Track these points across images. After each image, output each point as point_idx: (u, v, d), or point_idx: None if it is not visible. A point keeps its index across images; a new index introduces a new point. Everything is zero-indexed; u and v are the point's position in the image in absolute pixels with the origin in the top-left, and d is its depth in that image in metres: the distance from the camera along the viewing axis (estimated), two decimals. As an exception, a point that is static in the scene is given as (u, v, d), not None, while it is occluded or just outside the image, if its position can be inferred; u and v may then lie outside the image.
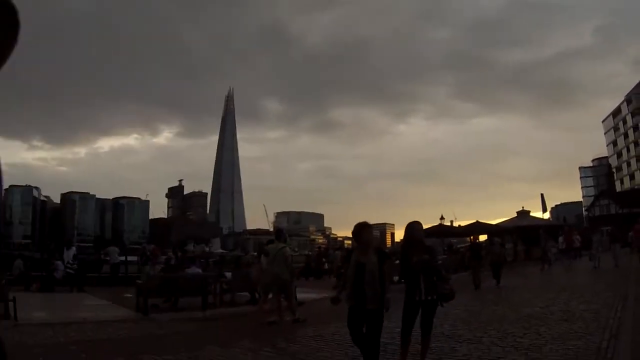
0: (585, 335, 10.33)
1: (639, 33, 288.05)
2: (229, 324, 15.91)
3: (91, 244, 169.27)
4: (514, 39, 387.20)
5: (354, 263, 8.34)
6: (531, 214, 55.29)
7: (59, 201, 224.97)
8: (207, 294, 17.97)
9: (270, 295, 15.92)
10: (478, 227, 45.50)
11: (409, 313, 8.40)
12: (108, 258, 31.35)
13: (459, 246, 45.42)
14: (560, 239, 37.42)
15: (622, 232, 37.22)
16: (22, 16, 1.74)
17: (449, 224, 51.11)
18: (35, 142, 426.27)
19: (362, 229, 8.58)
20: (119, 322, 15.40)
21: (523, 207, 55.34)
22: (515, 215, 54.72)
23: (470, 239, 38.13)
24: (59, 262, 25.66)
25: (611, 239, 31.62)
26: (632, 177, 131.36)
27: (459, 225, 49.57)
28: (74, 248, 29.90)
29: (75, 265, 26.05)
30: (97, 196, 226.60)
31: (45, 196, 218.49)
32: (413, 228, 8.88)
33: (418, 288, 8.31)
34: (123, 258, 33.02)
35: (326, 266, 39.71)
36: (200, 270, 20.83)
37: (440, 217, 48.91)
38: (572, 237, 34.23)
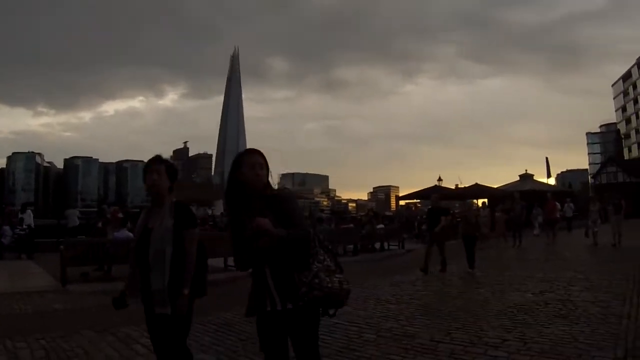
0: (588, 350, 7.19)
1: None
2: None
3: (95, 209, 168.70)
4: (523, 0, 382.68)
5: (138, 229, 5.16)
6: (535, 178, 52.94)
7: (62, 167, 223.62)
8: None
9: None
10: (477, 190, 43.02)
11: (264, 339, 4.23)
12: (65, 222, 29.59)
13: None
14: (537, 210, 32.82)
15: (628, 202, 31.83)
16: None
17: (450, 186, 48.29)
18: (40, 109, 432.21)
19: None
20: (31, 294, 13.89)
21: (526, 170, 53.00)
22: (518, 178, 52.36)
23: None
24: (7, 228, 23.97)
25: (614, 208, 25.20)
26: None
27: (457, 187, 46.58)
28: (29, 211, 28.07)
29: (25, 231, 24.35)
30: (100, 160, 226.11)
31: (49, 162, 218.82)
32: (243, 163, 4.30)
33: (265, 287, 4.13)
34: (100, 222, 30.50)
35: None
36: (130, 235, 18.06)
37: (437, 178, 46.15)
38: (553, 206, 28.13)
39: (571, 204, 36.83)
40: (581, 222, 31.29)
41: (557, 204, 30.11)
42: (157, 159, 5.27)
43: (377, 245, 27.13)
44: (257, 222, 3.89)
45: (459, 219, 21.03)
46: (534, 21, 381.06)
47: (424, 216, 27.42)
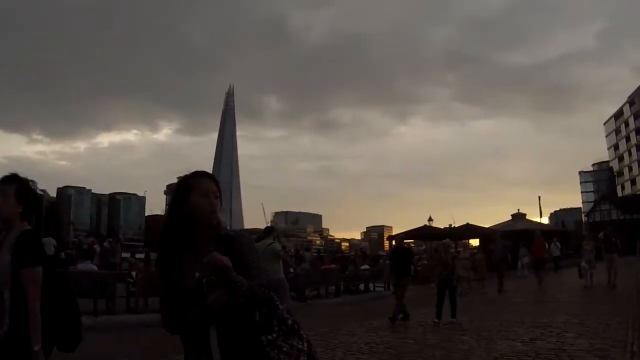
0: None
1: None
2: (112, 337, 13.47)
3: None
4: (515, 41, 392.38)
5: None
6: (528, 217, 52.06)
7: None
8: (107, 296, 16.26)
9: None
10: (468, 230, 41.94)
11: None
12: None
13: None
14: (523, 250, 30.90)
15: (622, 239, 27.91)
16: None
17: (441, 226, 47.14)
18: (35, 136, 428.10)
19: None
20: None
21: (518, 210, 51.93)
22: (510, 218, 51.15)
23: (393, 242, 29.40)
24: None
25: (606, 247, 22.70)
26: (633, 182, 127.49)
27: (450, 227, 45.35)
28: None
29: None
30: (93, 191, 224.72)
31: (42, 190, 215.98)
32: (192, 189, 3.16)
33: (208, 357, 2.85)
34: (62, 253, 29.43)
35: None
36: (95, 267, 18.33)
37: (428, 218, 45.02)
38: (540, 245, 25.20)
39: (558, 243, 34.96)
40: (570, 261, 30.40)
41: (545, 242, 28.47)
42: (6, 177, 4.06)
43: (362, 286, 26.05)
44: (214, 258, 2.74)
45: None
46: (525, 62, 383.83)
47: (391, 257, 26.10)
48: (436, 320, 14.19)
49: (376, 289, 26.21)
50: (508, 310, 17.03)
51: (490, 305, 19.20)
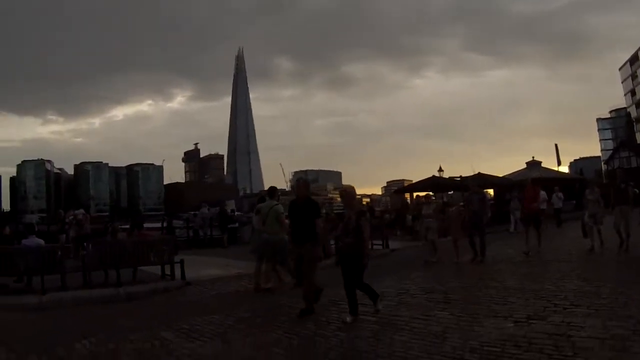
0: None
1: None
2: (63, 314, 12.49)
3: (107, 213, 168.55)
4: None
5: None
6: (545, 166, 48.93)
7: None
8: (59, 271, 14.77)
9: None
10: (480, 180, 39.17)
11: None
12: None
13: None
14: (515, 202, 27.62)
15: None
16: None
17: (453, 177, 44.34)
18: (49, 116, 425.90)
19: None
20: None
21: (533, 157, 49.03)
22: (525, 166, 48.34)
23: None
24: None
25: (615, 195, 17.58)
26: None
27: (460, 177, 42.26)
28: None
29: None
30: (110, 164, 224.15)
31: (59, 168, 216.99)
32: None
33: None
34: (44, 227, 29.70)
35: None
36: (42, 242, 16.72)
37: (438, 169, 42.46)
38: (533, 195, 19.42)
39: (560, 194, 31.20)
40: (578, 214, 22.99)
41: (543, 192, 24.80)
42: None
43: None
44: None
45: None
46: (537, 10, 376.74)
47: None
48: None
49: (374, 247, 23.41)
50: (510, 273, 14.46)
51: (489, 267, 16.04)
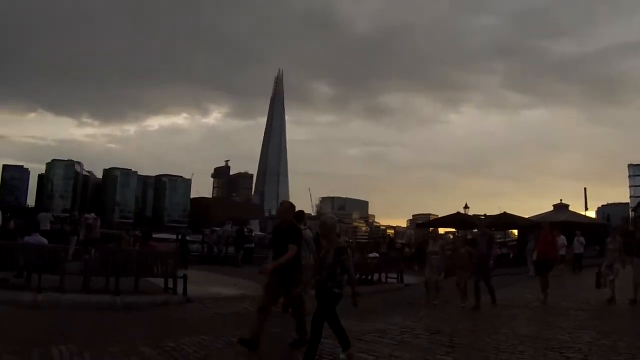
0: None
1: None
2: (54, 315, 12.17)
3: (131, 220, 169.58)
4: (562, 30, 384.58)
5: None
6: (571, 209, 47.64)
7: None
8: (60, 271, 14.53)
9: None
10: (505, 219, 38.39)
11: None
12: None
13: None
14: (531, 243, 25.04)
15: None
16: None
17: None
18: (84, 119, 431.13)
19: None
20: None
21: (561, 200, 47.74)
22: (552, 209, 47.07)
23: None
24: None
25: (627, 246, 16.23)
26: None
27: (484, 215, 41.34)
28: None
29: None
30: (139, 173, 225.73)
31: (88, 171, 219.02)
32: None
33: None
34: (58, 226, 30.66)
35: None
36: (44, 240, 16.48)
37: (464, 205, 41.70)
38: (549, 240, 17.29)
39: (581, 238, 29.24)
40: (598, 260, 20.46)
41: (562, 237, 24.48)
42: None
43: (376, 276, 22.55)
44: None
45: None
46: (574, 52, 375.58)
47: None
48: None
49: (389, 280, 22.75)
50: (525, 319, 13.62)
51: (503, 311, 14.97)
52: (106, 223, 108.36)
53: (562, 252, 27.88)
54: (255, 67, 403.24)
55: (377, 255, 24.63)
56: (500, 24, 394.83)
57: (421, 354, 9.23)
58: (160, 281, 16.01)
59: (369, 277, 22.39)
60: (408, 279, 23.57)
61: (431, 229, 31.10)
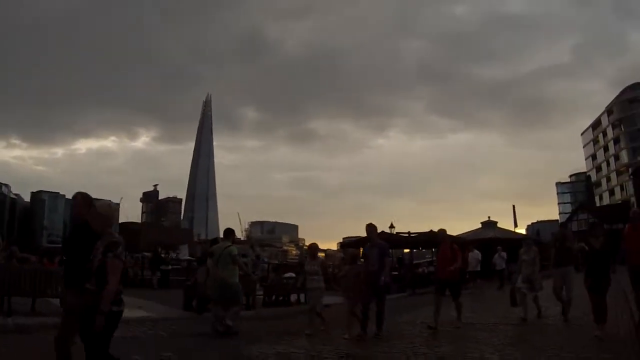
0: None
1: (616, 53, 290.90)
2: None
3: (59, 245, 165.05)
4: (490, 55, 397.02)
5: None
6: (500, 226, 47.15)
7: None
8: None
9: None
10: (432, 237, 37.29)
11: None
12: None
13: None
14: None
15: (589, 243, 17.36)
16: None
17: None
18: (13, 140, 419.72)
19: None
20: None
21: (489, 217, 47.31)
22: (480, 226, 46.55)
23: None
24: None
25: (557, 256, 14.27)
26: (612, 192, 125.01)
27: (409, 233, 40.14)
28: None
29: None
30: (67, 196, 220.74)
31: (15, 194, 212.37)
32: None
33: None
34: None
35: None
36: None
37: (389, 225, 40.50)
38: (449, 255, 14.13)
39: (503, 253, 27.83)
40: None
41: (476, 251, 24.94)
42: None
43: (294, 297, 21.64)
44: None
45: None
46: (501, 76, 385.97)
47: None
48: None
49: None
50: (440, 337, 12.17)
51: (417, 330, 13.31)
52: (34, 247, 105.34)
53: (477, 268, 27.56)
54: (185, 91, 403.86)
55: (293, 275, 23.05)
56: (426, 50, 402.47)
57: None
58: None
59: (286, 299, 21.44)
60: (329, 299, 22.21)
61: (309, 244, 29.49)
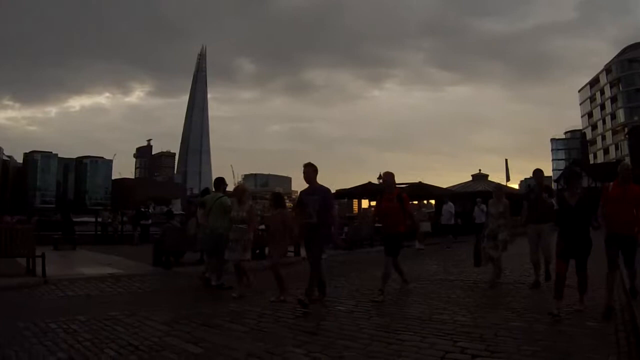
0: None
1: (620, 12, 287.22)
2: None
3: (53, 206, 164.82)
4: (494, 9, 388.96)
5: None
6: (490, 179, 46.28)
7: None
8: None
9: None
10: (419, 189, 36.52)
11: None
12: None
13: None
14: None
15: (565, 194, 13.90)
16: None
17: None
18: (5, 102, 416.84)
19: None
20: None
21: (480, 170, 47.26)
22: (471, 179, 46.02)
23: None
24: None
25: (530, 211, 12.44)
26: (606, 151, 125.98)
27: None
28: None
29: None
30: (60, 155, 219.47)
31: (9, 156, 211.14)
32: None
33: None
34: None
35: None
36: None
37: (378, 176, 39.81)
38: (388, 207, 11.68)
39: (483, 206, 23.91)
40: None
41: (451, 203, 24.84)
42: None
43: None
44: None
45: None
46: (503, 31, 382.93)
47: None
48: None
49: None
50: (412, 295, 11.39)
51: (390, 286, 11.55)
52: (28, 208, 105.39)
53: (451, 221, 27.31)
54: (179, 44, 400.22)
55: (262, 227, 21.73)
56: (429, 1, 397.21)
57: (268, 344, 7.13)
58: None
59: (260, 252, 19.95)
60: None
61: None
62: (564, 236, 8.91)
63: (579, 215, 8.86)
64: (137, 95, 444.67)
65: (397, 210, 11.42)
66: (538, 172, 13.01)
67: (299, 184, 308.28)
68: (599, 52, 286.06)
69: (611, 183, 9.99)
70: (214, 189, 14.05)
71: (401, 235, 11.70)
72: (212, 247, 12.80)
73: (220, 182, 13.85)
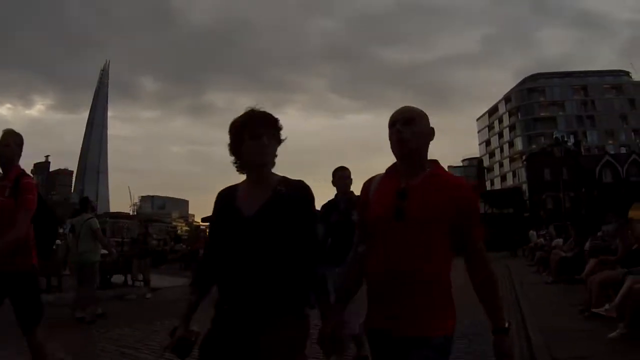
0: None
1: (523, 46, 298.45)
2: None
3: None
4: (399, 38, 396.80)
5: None
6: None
7: None
8: None
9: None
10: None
11: None
12: None
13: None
14: None
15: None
16: None
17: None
18: None
19: None
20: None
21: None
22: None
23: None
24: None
25: None
26: (503, 178, 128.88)
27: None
28: None
29: None
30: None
31: None
32: None
33: None
34: None
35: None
36: None
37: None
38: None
39: None
40: None
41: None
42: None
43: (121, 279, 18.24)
44: None
45: None
46: (407, 60, 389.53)
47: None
48: None
49: (136, 283, 18.26)
50: None
51: None
52: None
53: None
54: (83, 57, 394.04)
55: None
56: (334, 29, 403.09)
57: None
58: None
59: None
60: (164, 281, 19.43)
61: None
62: None
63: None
64: (39, 109, 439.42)
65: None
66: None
67: (196, 207, 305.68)
68: (501, 83, 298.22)
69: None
70: (80, 210, 13.06)
71: None
72: (79, 274, 11.81)
73: (86, 202, 13.11)
